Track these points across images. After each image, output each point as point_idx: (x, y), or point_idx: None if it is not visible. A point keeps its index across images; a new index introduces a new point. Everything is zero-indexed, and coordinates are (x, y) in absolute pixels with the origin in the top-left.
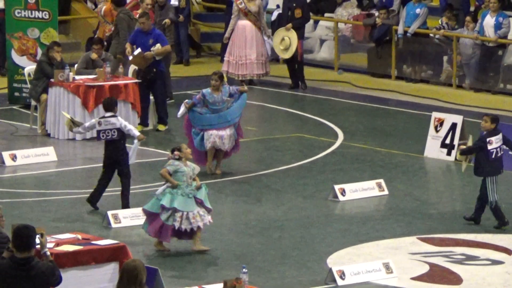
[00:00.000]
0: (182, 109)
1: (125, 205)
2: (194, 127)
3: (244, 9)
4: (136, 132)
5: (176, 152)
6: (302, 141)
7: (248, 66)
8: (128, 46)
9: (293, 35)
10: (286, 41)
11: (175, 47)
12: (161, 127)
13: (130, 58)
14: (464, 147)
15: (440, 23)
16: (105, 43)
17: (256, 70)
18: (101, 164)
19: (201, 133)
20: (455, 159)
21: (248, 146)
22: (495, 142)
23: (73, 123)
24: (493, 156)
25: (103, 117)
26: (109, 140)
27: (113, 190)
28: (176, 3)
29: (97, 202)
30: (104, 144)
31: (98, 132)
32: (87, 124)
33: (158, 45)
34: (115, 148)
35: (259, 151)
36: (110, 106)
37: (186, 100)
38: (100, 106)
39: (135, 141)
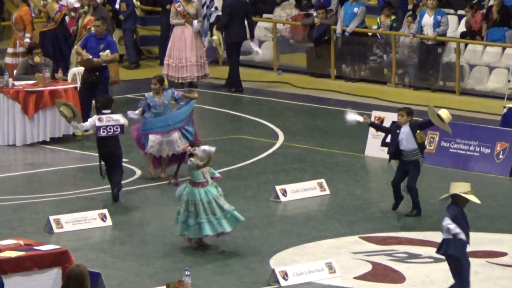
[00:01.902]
0: (136, 115)
1: (116, 197)
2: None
3: (183, 11)
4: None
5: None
6: (242, 143)
7: (188, 68)
8: (80, 50)
9: (219, 34)
10: (215, 39)
11: None
12: None
13: (78, 60)
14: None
15: (378, 21)
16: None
17: (196, 72)
18: (42, 170)
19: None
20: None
21: None
22: None
23: (73, 114)
24: None
25: (103, 113)
26: (109, 136)
27: (56, 195)
28: (117, 6)
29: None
30: (99, 139)
31: (99, 127)
32: (86, 124)
33: (107, 52)
34: (114, 143)
35: None
36: (108, 103)
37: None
38: (40, 112)
39: None
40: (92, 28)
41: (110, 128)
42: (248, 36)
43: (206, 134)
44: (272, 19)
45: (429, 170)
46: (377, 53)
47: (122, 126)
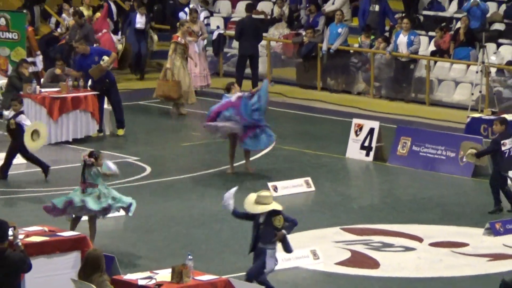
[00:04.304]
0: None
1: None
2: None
3: (188, 29)
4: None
5: (91, 159)
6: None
7: (192, 79)
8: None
9: None
10: None
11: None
12: (120, 132)
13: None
14: (474, 151)
15: (359, 41)
16: None
17: (199, 82)
18: (65, 166)
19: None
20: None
21: (193, 148)
22: (508, 144)
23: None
24: (507, 155)
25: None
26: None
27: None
28: (142, 26)
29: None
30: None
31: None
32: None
33: (106, 58)
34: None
35: (202, 153)
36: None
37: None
38: (64, 115)
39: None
40: None
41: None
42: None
43: (205, 136)
44: (267, 37)
45: (402, 171)
46: (357, 64)
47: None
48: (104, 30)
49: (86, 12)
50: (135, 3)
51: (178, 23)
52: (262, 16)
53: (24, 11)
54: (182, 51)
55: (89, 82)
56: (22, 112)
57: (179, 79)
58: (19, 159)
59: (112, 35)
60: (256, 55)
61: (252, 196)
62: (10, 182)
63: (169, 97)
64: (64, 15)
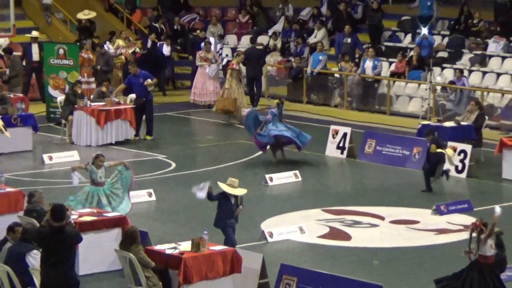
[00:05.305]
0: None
1: None
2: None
3: (204, 57)
4: None
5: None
6: (243, 146)
7: (208, 95)
8: (122, 86)
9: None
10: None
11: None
12: (148, 137)
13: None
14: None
15: (338, 66)
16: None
17: (213, 97)
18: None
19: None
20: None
21: (208, 148)
22: None
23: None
24: None
25: None
26: None
27: None
28: (168, 53)
29: None
30: None
31: None
32: None
33: (149, 80)
34: None
35: (215, 152)
36: None
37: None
38: (108, 123)
39: None
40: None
41: None
42: (261, 71)
43: (219, 139)
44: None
45: (369, 165)
46: (334, 85)
47: None
48: None
49: (123, 43)
50: (163, 36)
51: (236, 53)
52: (261, 47)
53: (84, 41)
54: (236, 75)
55: (131, 97)
56: None
57: (234, 96)
58: (74, 157)
59: None
60: (259, 77)
61: (222, 184)
62: (67, 175)
63: (227, 111)
64: (109, 45)
